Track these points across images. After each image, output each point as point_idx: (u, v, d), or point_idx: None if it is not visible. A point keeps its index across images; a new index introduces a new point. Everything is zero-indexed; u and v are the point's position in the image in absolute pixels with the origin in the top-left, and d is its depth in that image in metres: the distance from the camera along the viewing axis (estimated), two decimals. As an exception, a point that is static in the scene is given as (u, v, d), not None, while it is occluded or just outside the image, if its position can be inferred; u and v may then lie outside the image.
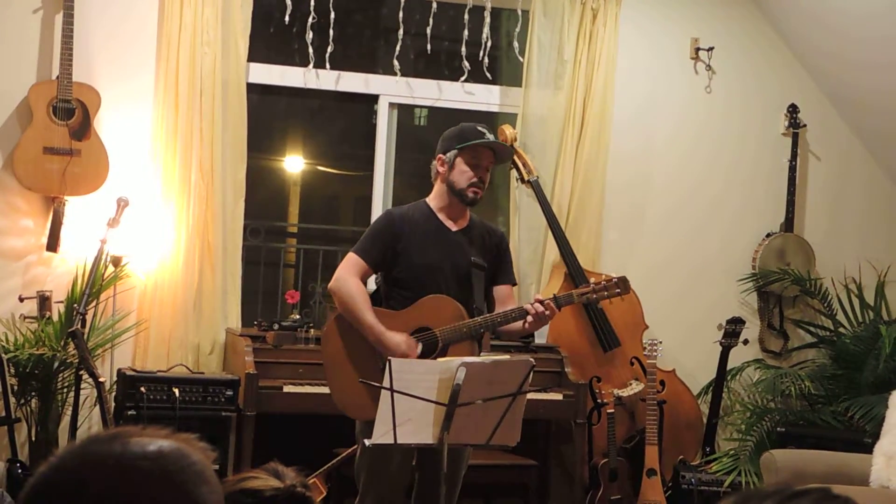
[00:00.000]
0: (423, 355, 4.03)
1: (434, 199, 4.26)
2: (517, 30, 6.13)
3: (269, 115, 6.57)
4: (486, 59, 6.12)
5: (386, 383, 3.66)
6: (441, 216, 4.22)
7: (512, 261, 4.39)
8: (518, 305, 4.18)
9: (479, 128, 4.22)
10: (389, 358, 3.74)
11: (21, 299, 5.32)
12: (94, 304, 5.20)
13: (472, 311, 4.10)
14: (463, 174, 4.15)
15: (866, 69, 6.32)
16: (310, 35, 5.85)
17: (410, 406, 3.67)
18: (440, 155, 4.23)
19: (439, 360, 3.92)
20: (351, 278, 4.11)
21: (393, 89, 6.13)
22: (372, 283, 4.38)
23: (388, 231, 4.19)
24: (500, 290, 4.28)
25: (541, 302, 4.04)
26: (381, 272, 4.25)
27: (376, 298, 4.24)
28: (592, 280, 4.33)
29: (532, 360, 3.90)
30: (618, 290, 4.19)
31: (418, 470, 4.20)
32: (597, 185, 6.14)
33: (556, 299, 4.11)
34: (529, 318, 4.06)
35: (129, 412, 5.02)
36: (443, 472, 3.98)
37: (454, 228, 4.22)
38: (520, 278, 6.02)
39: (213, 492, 1.23)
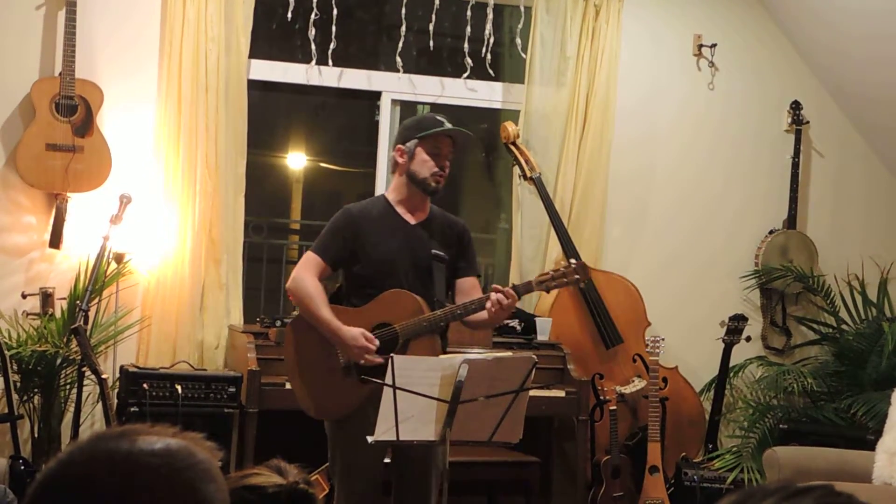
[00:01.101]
0: (382, 351, 3.97)
1: (393, 193, 4.20)
2: (520, 26, 6.13)
3: (272, 112, 6.57)
4: (489, 56, 6.11)
5: (388, 380, 3.66)
6: (400, 209, 4.17)
7: (475, 252, 4.32)
8: (484, 295, 4.11)
9: (438, 117, 4.19)
10: (392, 355, 3.73)
11: (24, 296, 5.32)
12: (96, 300, 5.21)
13: (433, 305, 4.06)
14: (424, 164, 4.11)
15: (869, 66, 6.32)
16: (312, 32, 5.85)
17: (413, 403, 3.68)
18: (399, 145, 4.17)
19: (442, 356, 3.91)
20: (308, 277, 4.08)
21: (395, 86, 6.13)
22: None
23: (345, 228, 4.15)
24: (463, 283, 4.22)
25: (502, 291, 3.99)
26: (341, 269, 4.21)
27: (338, 296, 4.20)
28: (552, 268, 4.29)
29: (534, 357, 3.90)
30: (576, 277, 4.14)
31: (393, 471, 4.17)
32: (599, 181, 6.13)
33: (515, 287, 4.06)
34: (490, 308, 3.99)
35: (132, 409, 5.02)
36: (445, 469, 3.98)
37: (413, 221, 4.16)
38: (522, 275, 6.03)
39: (220, 490, 1.24)
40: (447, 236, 4.21)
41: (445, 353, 4.12)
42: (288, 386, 5.13)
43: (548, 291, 4.33)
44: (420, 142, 4.12)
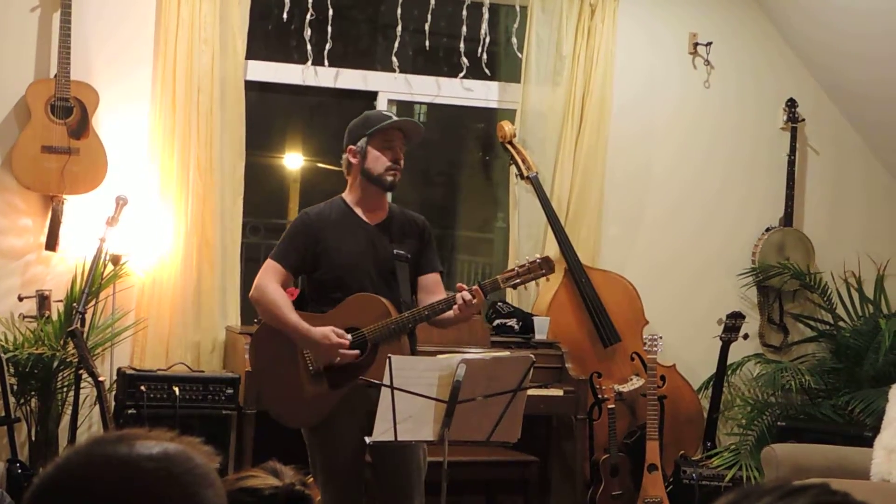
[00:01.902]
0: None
1: (350, 194, 4.16)
2: (515, 26, 6.13)
3: (268, 113, 6.56)
4: (485, 56, 6.11)
5: (386, 380, 3.66)
6: (358, 210, 4.12)
7: (436, 248, 4.28)
8: (450, 294, 4.09)
9: (385, 112, 4.16)
10: (390, 356, 3.72)
11: (20, 298, 5.32)
12: (93, 302, 5.20)
13: (399, 305, 4.02)
14: (377, 160, 4.06)
15: (865, 63, 6.32)
16: (308, 32, 5.85)
17: (411, 403, 3.67)
18: (350, 147, 4.12)
19: (439, 356, 3.91)
20: (270, 284, 4.03)
21: (392, 86, 6.13)
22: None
23: (304, 233, 4.09)
24: (426, 279, 4.17)
25: (469, 290, 3.96)
26: (303, 275, 4.17)
27: (301, 302, 4.15)
28: (516, 263, 4.27)
29: (532, 356, 3.91)
30: (542, 272, 4.11)
31: (373, 472, 4.14)
32: (596, 180, 6.14)
33: (481, 286, 4.02)
34: (456, 309, 3.98)
35: (130, 411, 5.02)
36: (444, 469, 3.98)
37: (373, 222, 4.12)
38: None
39: (218, 494, 1.24)
40: (408, 234, 4.16)
41: (414, 352, 4.08)
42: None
43: (514, 288, 4.31)
44: (370, 139, 4.06)
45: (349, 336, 3.96)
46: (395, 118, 4.11)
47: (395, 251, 4.08)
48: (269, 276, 4.05)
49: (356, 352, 3.91)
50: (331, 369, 3.99)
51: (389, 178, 4.07)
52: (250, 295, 4.14)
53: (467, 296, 3.94)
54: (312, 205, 4.28)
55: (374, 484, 4.17)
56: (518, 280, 4.12)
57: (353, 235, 4.08)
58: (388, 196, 4.31)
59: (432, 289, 4.16)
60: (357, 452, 4.01)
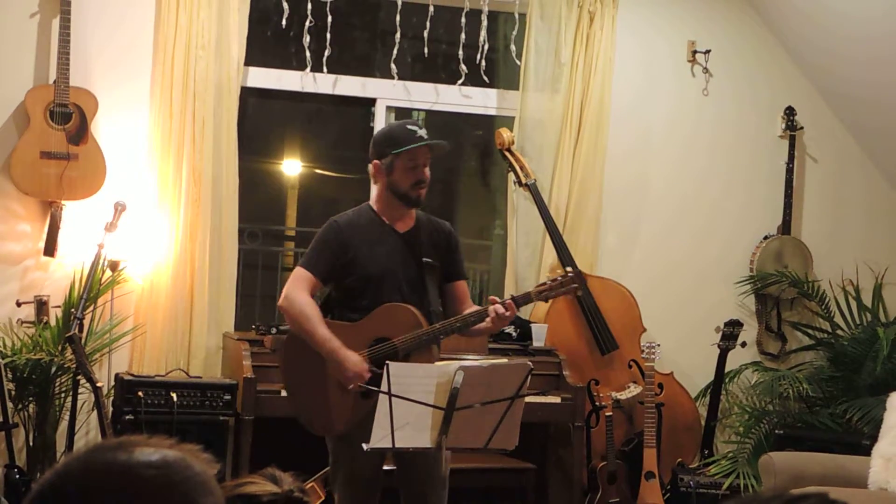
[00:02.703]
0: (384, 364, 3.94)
1: (377, 202, 4.14)
2: (514, 33, 6.14)
3: (267, 119, 6.57)
4: (484, 63, 6.12)
5: (384, 387, 3.65)
6: (386, 219, 4.11)
7: (463, 255, 4.28)
8: (482, 306, 4.10)
9: (409, 126, 4.10)
10: (387, 362, 3.71)
11: (18, 304, 5.32)
12: (91, 308, 5.20)
13: (428, 314, 4.02)
14: (404, 178, 4.04)
15: (863, 72, 6.33)
16: (307, 39, 5.85)
17: (408, 410, 3.67)
18: (376, 161, 4.10)
19: (437, 363, 3.91)
20: (300, 294, 3.98)
21: (390, 93, 6.13)
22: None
23: (334, 241, 4.07)
24: (454, 287, 4.18)
25: (501, 303, 3.97)
26: (331, 283, 4.14)
27: (326, 308, 4.13)
28: (548, 276, 4.27)
29: (530, 363, 3.90)
30: (574, 286, 4.12)
31: (398, 479, 4.15)
32: (594, 187, 6.14)
33: (514, 299, 4.03)
34: (488, 322, 3.99)
35: (127, 417, 5.01)
36: (441, 476, 3.99)
37: (402, 230, 4.11)
38: (517, 282, 6.04)
39: (217, 502, 1.24)
40: (435, 242, 4.16)
41: (440, 360, 4.10)
42: (283, 393, 5.14)
43: (546, 301, 4.31)
44: (396, 156, 4.05)
45: (367, 376, 3.92)
46: (419, 134, 4.06)
47: (424, 259, 4.08)
48: (299, 285, 4.02)
49: (366, 388, 3.89)
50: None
51: (415, 196, 4.07)
52: (279, 304, 4.08)
53: (500, 309, 3.95)
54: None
55: (401, 492, 4.16)
56: (552, 293, 4.13)
57: (383, 244, 4.08)
58: None
59: (460, 297, 4.17)
60: (378, 461, 4.01)
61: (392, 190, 4.08)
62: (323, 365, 4.01)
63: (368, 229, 4.09)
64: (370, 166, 4.14)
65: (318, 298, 4.13)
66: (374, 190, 4.19)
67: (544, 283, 4.16)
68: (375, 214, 4.13)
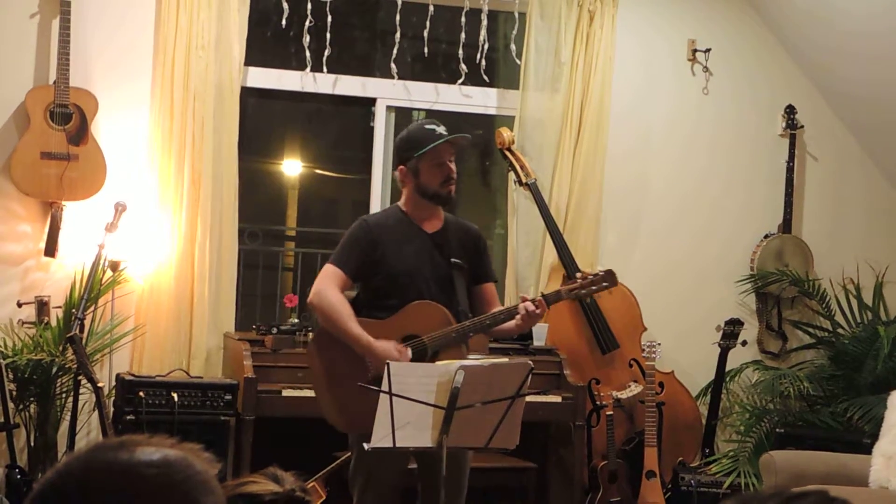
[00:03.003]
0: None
1: (406, 204, 4.16)
2: (514, 32, 6.14)
3: (267, 119, 6.57)
4: (484, 62, 6.12)
5: (384, 387, 3.65)
6: (415, 219, 4.14)
7: (490, 257, 4.31)
8: (506, 306, 4.11)
9: (427, 126, 4.11)
10: (388, 361, 3.71)
11: (19, 305, 5.32)
12: (92, 308, 5.20)
13: (457, 314, 4.04)
14: (432, 177, 4.07)
15: (863, 70, 6.33)
16: (307, 39, 5.86)
17: (409, 409, 3.67)
18: (401, 167, 4.13)
19: (437, 363, 3.90)
20: (331, 291, 4.01)
21: (390, 92, 6.14)
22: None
23: (364, 239, 4.09)
24: (483, 289, 4.20)
25: (532, 301, 3.98)
26: (359, 281, 4.16)
27: (356, 306, 4.14)
28: (579, 275, 4.27)
29: (531, 362, 3.89)
30: (605, 284, 4.13)
31: (420, 477, 4.17)
32: (594, 187, 6.14)
33: (545, 297, 4.04)
34: (518, 320, 3.99)
35: (128, 417, 5.01)
36: (442, 475, 3.98)
37: (430, 230, 4.14)
38: (518, 281, 6.04)
39: (218, 501, 1.25)
40: (464, 243, 4.18)
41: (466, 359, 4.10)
42: (284, 393, 5.14)
43: (576, 300, 4.29)
44: (419, 158, 4.07)
45: (409, 351, 3.95)
46: (439, 132, 4.07)
47: (452, 259, 4.09)
48: (329, 282, 4.03)
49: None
50: None
51: (445, 194, 4.09)
52: (309, 300, 4.08)
53: (531, 306, 3.96)
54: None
55: (419, 491, 4.14)
56: (582, 291, 4.13)
57: (411, 243, 4.10)
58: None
59: (488, 299, 4.18)
60: (401, 462, 4.02)
61: (422, 192, 4.10)
62: (353, 362, 4.00)
63: (397, 229, 4.11)
64: (396, 172, 4.16)
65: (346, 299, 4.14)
66: (404, 193, 4.19)
67: (575, 281, 4.16)
68: (404, 215, 4.15)
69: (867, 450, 5.25)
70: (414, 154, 4.07)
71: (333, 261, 4.10)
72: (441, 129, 4.09)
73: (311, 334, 5.41)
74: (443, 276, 4.08)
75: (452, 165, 4.10)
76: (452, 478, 4.03)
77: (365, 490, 4.07)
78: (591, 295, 4.22)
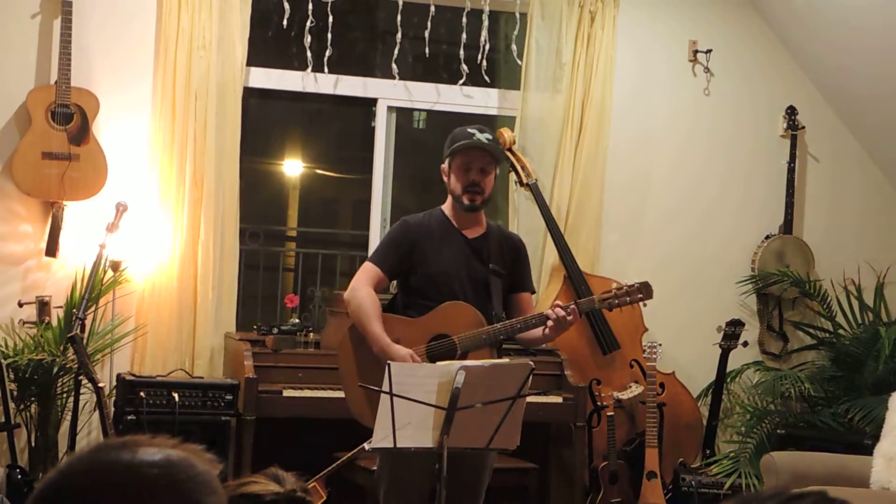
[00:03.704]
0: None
1: (447, 207, 4.19)
2: (515, 33, 6.14)
3: (268, 119, 6.57)
4: (485, 63, 6.12)
5: (385, 387, 3.65)
6: (456, 224, 4.15)
7: (530, 267, 4.32)
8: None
9: (469, 129, 4.11)
10: (389, 362, 3.72)
11: (20, 304, 5.32)
12: (93, 308, 5.20)
13: (491, 319, 4.04)
14: (458, 179, 4.09)
15: (864, 71, 6.33)
16: (308, 39, 5.86)
17: (410, 410, 3.67)
18: (442, 165, 4.18)
19: (438, 363, 3.90)
20: (364, 288, 4.06)
21: (391, 93, 6.14)
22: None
23: (403, 239, 4.14)
24: (519, 298, 4.20)
25: (563, 307, 3.96)
26: (397, 280, 4.20)
27: (393, 305, 4.19)
28: (615, 285, 4.23)
29: (531, 363, 3.90)
30: (640, 296, 4.11)
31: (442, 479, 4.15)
32: (595, 187, 6.14)
33: (577, 304, 4.03)
34: (550, 324, 3.97)
35: (129, 417, 5.02)
36: (443, 475, 3.97)
37: (470, 236, 4.15)
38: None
39: (220, 501, 1.25)
40: (504, 251, 4.18)
41: None
42: (285, 393, 5.15)
43: (610, 309, 4.29)
44: (451, 158, 4.09)
45: (425, 364, 3.93)
46: (477, 137, 4.05)
47: (490, 266, 4.11)
48: (365, 279, 4.09)
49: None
50: None
51: (466, 201, 4.08)
52: (344, 295, 4.18)
53: (562, 312, 3.95)
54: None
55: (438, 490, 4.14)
56: (616, 301, 4.10)
57: (450, 247, 4.12)
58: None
59: (525, 308, 4.18)
60: (428, 462, 3.96)
61: (451, 193, 4.13)
62: (375, 358, 4.01)
63: (437, 231, 4.14)
64: (441, 170, 4.20)
65: (384, 299, 4.18)
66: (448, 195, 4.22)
67: (609, 291, 4.14)
68: (446, 217, 4.17)
69: (868, 451, 5.25)
70: (448, 153, 4.10)
71: (371, 258, 4.17)
72: (480, 136, 4.06)
73: (311, 334, 5.43)
74: (479, 280, 4.09)
75: (484, 177, 4.07)
76: (473, 478, 4.03)
77: (391, 489, 4.06)
78: (623, 305, 4.17)
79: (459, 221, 4.15)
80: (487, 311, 4.06)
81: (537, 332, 4.03)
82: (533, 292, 4.32)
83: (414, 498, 4.07)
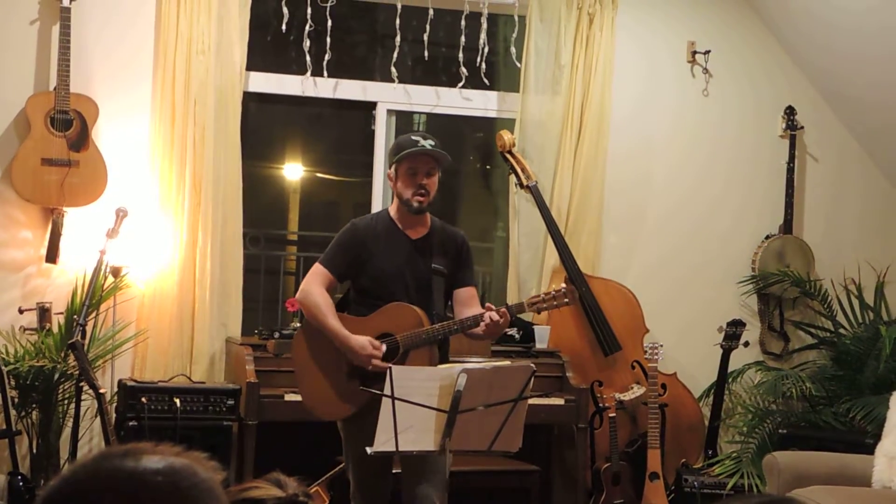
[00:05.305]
0: (386, 358, 4.14)
1: (394, 210, 4.36)
2: (514, 35, 6.14)
3: (268, 124, 6.57)
4: (484, 65, 6.12)
5: (387, 391, 3.66)
6: (401, 225, 4.31)
7: (472, 262, 4.49)
8: (480, 312, 4.25)
9: (413, 136, 4.31)
10: (390, 365, 3.77)
11: (21, 311, 5.32)
12: (93, 315, 5.20)
13: (432, 318, 4.21)
14: (405, 185, 4.25)
15: (862, 71, 6.33)
16: (307, 43, 5.86)
17: (411, 413, 3.68)
18: (388, 171, 4.35)
19: (440, 366, 3.94)
20: (315, 288, 4.25)
21: (391, 96, 6.14)
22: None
23: (352, 242, 4.30)
24: (461, 293, 4.36)
25: (496, 310, 4.15)
26: (348, 280, 4.38)
27: (345, 303, 4.36)
28: (543, 291, 4.48)
29: (533, 365, 3.91)
30: (566, 301, 4.29)
31: (403, 477, 4.21)
32: (595, 189, 6.14)
33: (508, 308, 4.20)
34: (483, 326, 4.16)
35: (131, 423, 5.01)
36: (444, 477, 3.98)
37: (414, 237, 4.31)
38: (519, 283, 6.04)
39: None
40: (447, 248, 4.34)
41: (448, 362, 4.24)
42: (287, 398, 5.15)
43: (538, 313, 4.49)
44: (398, 164, 4.26)
45: (384, 347, 4.15)
46: (422, 144, 4.25)
47: (433, 265, 4.28)
48: (316, 280, 4.28)
49: (387, 365, 3.97)
50: (364, 370, 4.16)
51: (415, 204, 4.25)
52: (296, 296, 4.41)
53: (494, 316, 4.14)
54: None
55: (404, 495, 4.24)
56: (544, 305, 4.32)
57: (395, 249, 4.28)
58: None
59: (467, 301, 4.35)
60: (385, 461, 4.14)
61: (398, 198, 4.30)
62: (334, 353, 4.20)
63: (384, 234, 4.30)
64: (387, 176, 4.39)
65: (336, 297, 4.39)
66: (393, 198, 4.40)
67: (538, 296, 4.36)
68: (392, 221, 4.33)
69: (870, 450, 5.25)
70: (394, 159, 4.28)
71: (322, 260, 4.34)
72: (424, 142, 4.26)
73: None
74: (422, 280, 4.26)
75: (428, 180, 4.26)
76: (432, 477, 4.08)
77: (356, 467, 4.22)
78: (550, 308, 4.38)
79: (404, 223, 4.31)
80: (429, 309, 4.23)
81: (477, 330, 4.21)
82: (475, 286, 4.47)
83: (375, 474, 4.21)
